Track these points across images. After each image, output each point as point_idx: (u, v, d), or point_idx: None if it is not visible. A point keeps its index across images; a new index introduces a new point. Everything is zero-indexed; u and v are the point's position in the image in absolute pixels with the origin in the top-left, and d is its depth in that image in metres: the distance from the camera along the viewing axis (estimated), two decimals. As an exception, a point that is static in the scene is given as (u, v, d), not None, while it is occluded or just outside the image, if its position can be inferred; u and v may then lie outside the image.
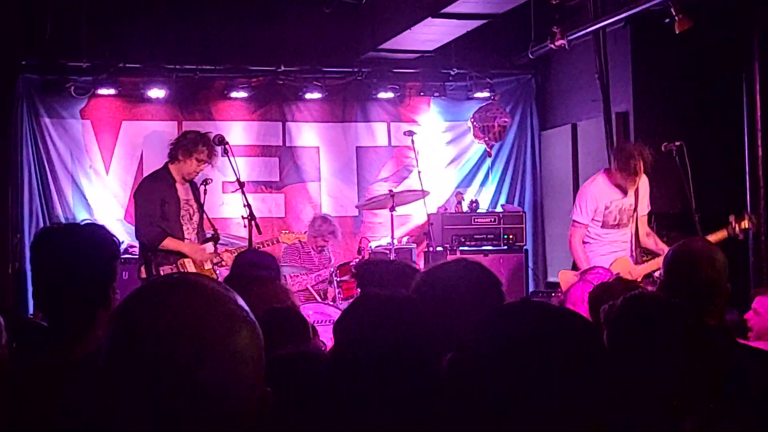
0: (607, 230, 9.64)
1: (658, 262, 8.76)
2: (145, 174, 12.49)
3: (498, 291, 3.59)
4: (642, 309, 3.66)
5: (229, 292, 1.82)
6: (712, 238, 8.96)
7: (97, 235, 3.54)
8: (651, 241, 9.75)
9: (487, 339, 2.08)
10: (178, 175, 9.16)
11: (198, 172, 9.24)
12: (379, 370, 2.87)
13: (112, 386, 1.72)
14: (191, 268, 8.87)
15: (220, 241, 10.79)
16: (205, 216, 9.35)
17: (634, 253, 9.53)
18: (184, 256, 8.99)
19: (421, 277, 3.60)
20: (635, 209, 9.59)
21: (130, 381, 1.70)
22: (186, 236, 9.14)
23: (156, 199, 9.00)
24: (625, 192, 9.56)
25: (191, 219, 9.19)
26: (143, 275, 8.88)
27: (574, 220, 9.75)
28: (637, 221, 9.62)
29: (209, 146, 9.18)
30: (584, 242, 9.68)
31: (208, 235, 9.38)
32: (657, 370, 3.40)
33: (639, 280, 8.70)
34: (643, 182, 9.67)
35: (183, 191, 9.18)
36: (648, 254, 9.60)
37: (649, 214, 10.10)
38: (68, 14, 12.01)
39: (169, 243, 8.89)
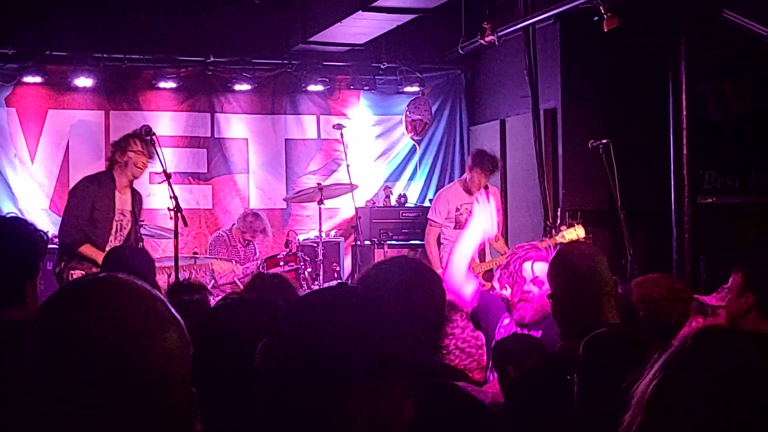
0: (459, 230, 10.54)
1: (496, 261, 10.16)
2: (71, 163, 12.41)
3: (440, 287, 3.59)
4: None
5: (157, 293, 1.81)
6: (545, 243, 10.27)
7: (16, 229, 3.46)
8: (500, 245, 10.91)
9: (297, 323, 2.10)
10: (122, 178, 9.01)
11: (141, 167, 9.06)
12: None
13: (40, 385, 1.70)
14: None
15: (146, 233, 10.72)
16: (137, 229, 9.24)
17: (479, 252, 10.66)
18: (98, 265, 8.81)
19: (365, 272, 3.59)
20: None
21: (60, 379, 1.68)
22: (109, 245, 8.98)
23: (87, 203, 8.84)
24: (471, 194, 10.61)
25: (121, 229, 9.04)
26: (56, 271, 8.77)
27: (429, 219, 11.19)
28: None
29: (140, 137, 9.08)
30: (441, 243, 11.01)
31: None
32: None
33: (481, 274, 10.15)
34: (494, 194, 10.60)
35: (121, 200, 9.03)
36: None
37: (575, 211, 10.49)
38: (-7, 0, 11.85)
39: (86, 249, 8.73)
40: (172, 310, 1.79)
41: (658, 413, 1.53)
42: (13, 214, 3.80)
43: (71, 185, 12.21)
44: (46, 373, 1.70)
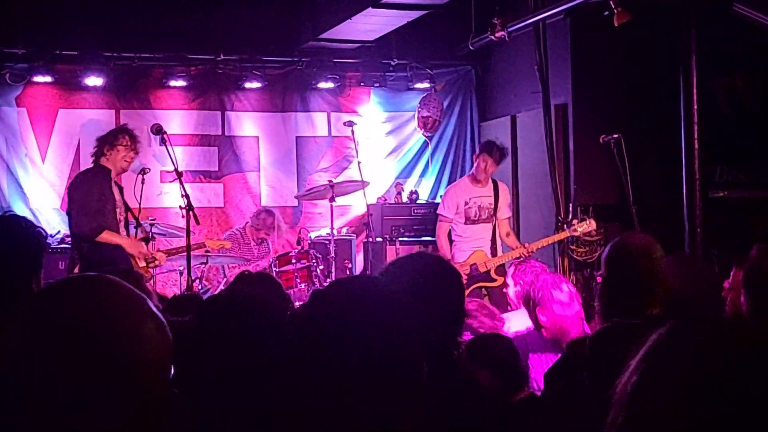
0: (469, 225, 10.82)
1: (508, 255, 10.49)
2: (82, 163, 12.41)
3: (459, 283, 3.59)
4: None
5: (139, 293, 1.95)
6: (555, 238, 10.79)
7: (15, 227, 3.46)
8: (511, 240, 10.92)
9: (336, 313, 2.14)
10: (113, 169, 9.05)
11: (129, 161, 9.14)
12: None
13: (29, 369, 1.82)
14: None
15: (158, 232, 10.74)
16: (130, 216, 9.27)
17: (491, 248, 10.84)
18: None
19: (385, 269, 3.59)
20: (495, 210, 10.81)
21: (45, 361, 1.80)
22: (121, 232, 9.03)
23: (95, 192, 8.88)
24: (479, 182, 10.81)
25: (120, 219, 9.08)
26: (76, 271, 8.74)
27: (439, 214, 11.06)
28: (498, 223, 10.88)
29: (128, 132, 9.17)
30: (453, 240, 10.92)
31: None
32: None
33: (492, 270, 10.51)
34: (503, 189, 10.96)
35: (116, 192, 9.09)
36: None
37: (586, 206, 10.50)
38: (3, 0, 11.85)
39: (107, 236, 8.75)
40: (153, 308, 1.93)
41: (638, 410, 1.53)
42: (11, 213, 3.80)
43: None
44: (34, 357, 1.81)
